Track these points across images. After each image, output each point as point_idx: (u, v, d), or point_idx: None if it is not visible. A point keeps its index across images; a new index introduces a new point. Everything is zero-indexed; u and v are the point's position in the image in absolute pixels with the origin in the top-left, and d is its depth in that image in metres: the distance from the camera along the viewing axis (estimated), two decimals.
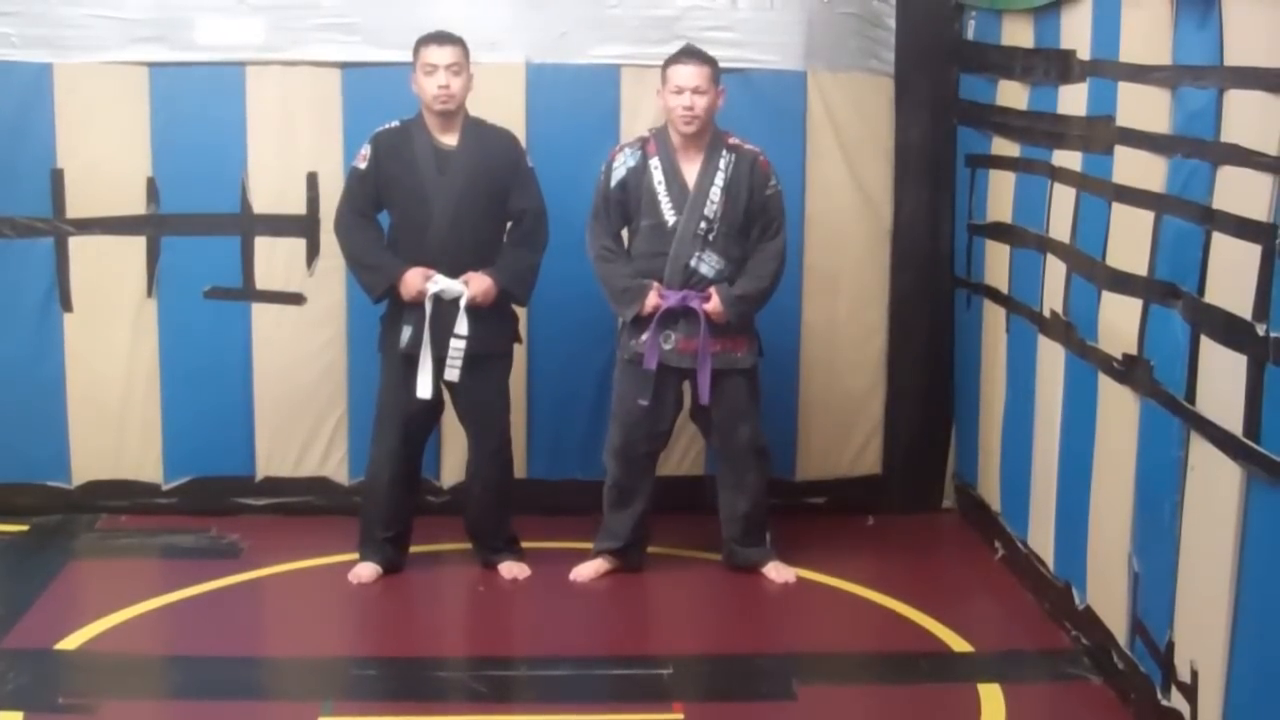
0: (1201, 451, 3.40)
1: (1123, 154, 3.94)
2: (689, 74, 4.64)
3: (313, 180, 5.30)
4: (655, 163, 4.72)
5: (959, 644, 4.37)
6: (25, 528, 5.27)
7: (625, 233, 4.85)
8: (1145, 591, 3.77)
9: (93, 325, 5.34)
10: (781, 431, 5.36)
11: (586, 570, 4.87)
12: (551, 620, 4.59)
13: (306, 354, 5.39)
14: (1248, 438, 3.15)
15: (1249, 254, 3.14)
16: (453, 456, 5.36)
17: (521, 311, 4.97)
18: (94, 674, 4.14)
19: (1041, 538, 4.62)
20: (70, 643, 4.28)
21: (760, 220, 4.75)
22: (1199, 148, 3.44)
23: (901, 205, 5.51)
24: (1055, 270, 4.45)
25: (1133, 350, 3.81)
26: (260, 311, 5.38)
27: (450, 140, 4.72)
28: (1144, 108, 3.77)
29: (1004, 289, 4.98)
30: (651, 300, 4.66)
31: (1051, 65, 4.50)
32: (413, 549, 4.94)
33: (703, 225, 4.69)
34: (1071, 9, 4.34)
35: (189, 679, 4.15)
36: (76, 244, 5.30)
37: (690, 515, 5.12)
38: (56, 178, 5.26)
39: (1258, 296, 3.11)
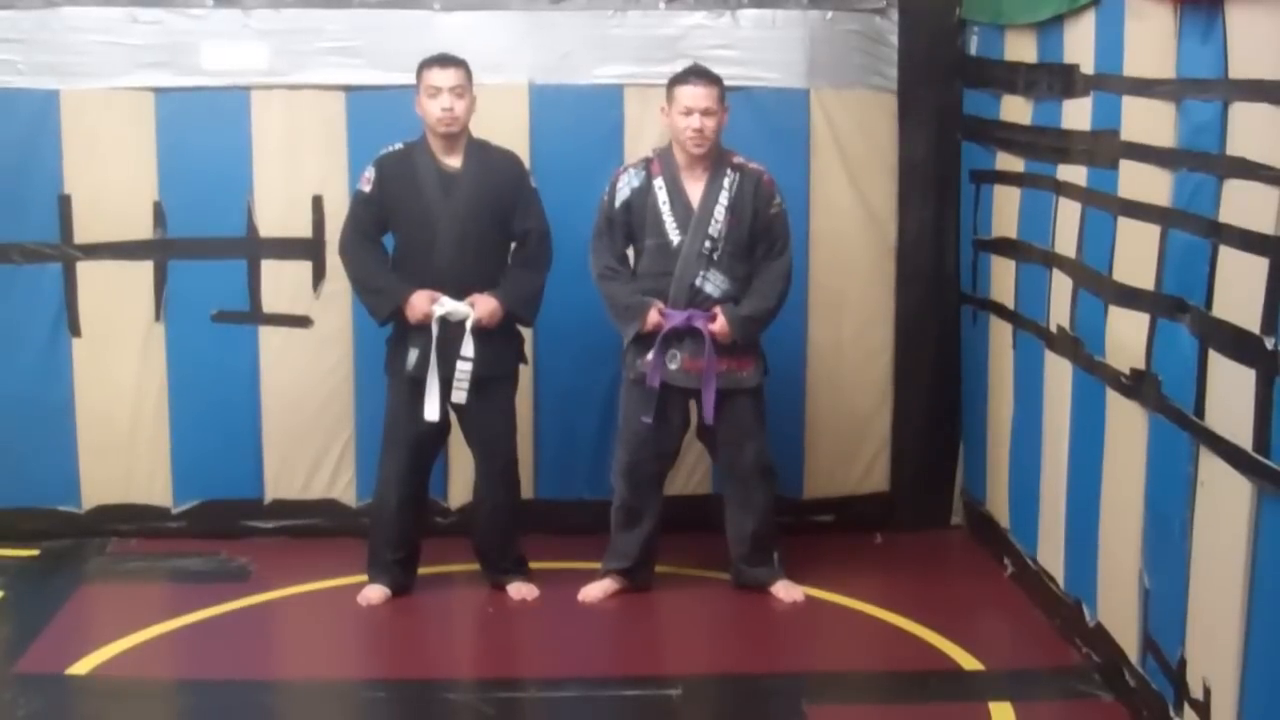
0: (1211, 466, 3.39)
1: (1128, 168, 3.93)
2: (699, 95, 4.64)
3: (318, 203, 5.32)
4: (659, 182, 4.72)
5: (969, 662, 4.35)
6: (36, 553, 5.27)
7: (631, 253, 4.85)
8: (1156, 608, 3.75)
9: (101, 350, 5.35)
10: (788, 450, 5.35)
11: (595, 590, 4.87)
12: (560, 641, 4.59)
13: (314, 376, 5.40)
14: (1257, 452, 3.14)
15: (1256, 267, 3.14)
16: (460, 477, 5.35)
17: (527, 332, 4.97)
18: (105, 699, 4.14)
19: (1051, 554, 4.61)
20: (81, 667, 4.28)
21: (765, 239, 4.75)
22: (1205, 161, 3.43)
23: (906, 222, 5.51)
24: (1061, 285, 4.44)
25: (1141, 365, 3.80)
26: (267, 335, 5.39)
27: (454, 162, 4.73)
28: (1149, 121, 3.77)
29: (1010, 305, 4.98)
30: (652, 318, 4.65)
31: (1055, 80, 4.50)
32: (421, 570, 4.93)
33: (707, 244, 4.69)
34: (1074, 23, 4.34)
35: (200, 703, 4.15)
36: (84, 269, 5.31)
37: (698, 534, 5.10)
38: (64, 203, 5.28)
39: (1266, 310, 3.10)
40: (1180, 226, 3.57)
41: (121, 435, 5.39)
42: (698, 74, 4.70)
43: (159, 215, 5.31)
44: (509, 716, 4.07)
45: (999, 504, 5.19)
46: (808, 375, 5.49)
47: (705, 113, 4.63)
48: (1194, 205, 3.49)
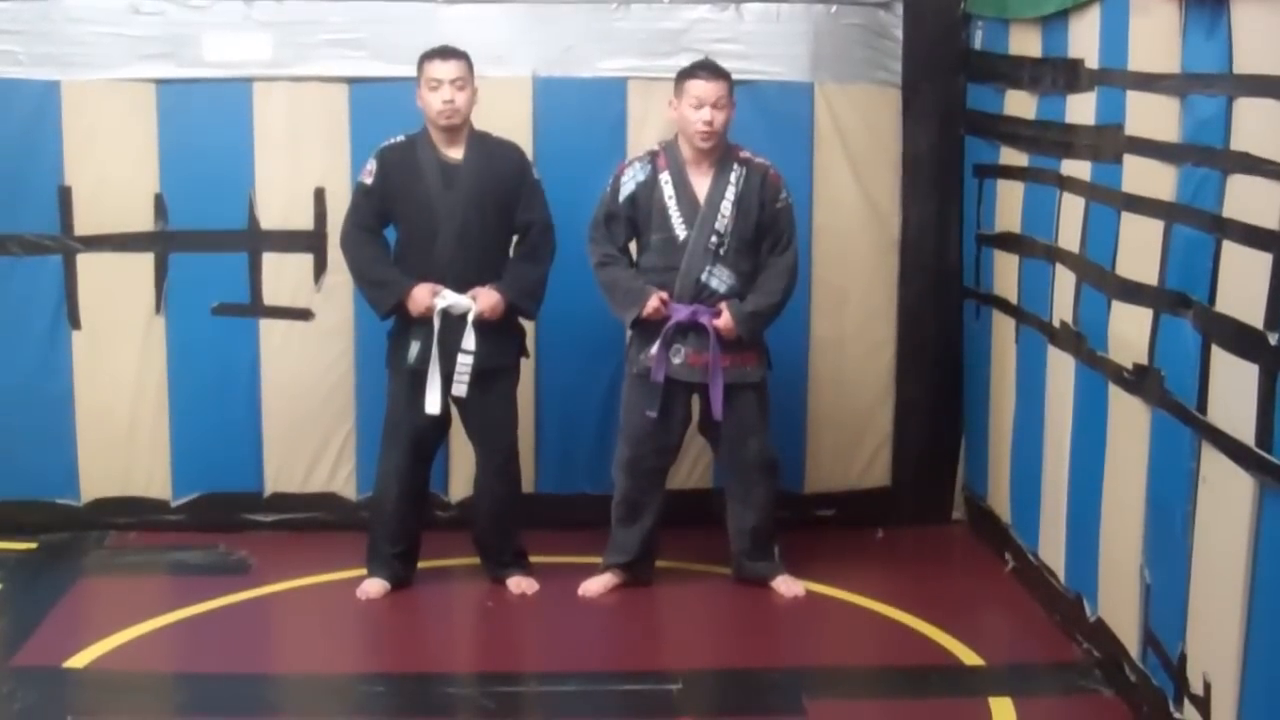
0: (1213, 462, 3.38)
1: (1132, 163, 3.92)
2: (710, 88, 4.62)
3: (320, 195, 5.31)
4: (665, 177, 4.71)
5: (970, 657, 4.34)
6: (34, 545, 5.26)
7: (634, 247, 4.83)
8: (1157, 603, 3.75)
9: (101, 342, 5.34)
10: (790, 444, 5.34)
11: (595, 585, 4.86)
12: (560, 635, 4.58)
13: (314, 370, 5.39)
14: (1260, 448, 3.13)
15: (1260, 262, 3.13)
16: (461, 471, 5.34)
17: (529, 325, 4.96)
18: (103, 692, 4.13)
19: (1052, 549, 4.60)
20: (79, 660, 4.27)
21: (771, 234, 4.73)
22: (1209, 156, 3.42)
23: (910, 216, 5.50)
24: (1065, 280, 4.43)
25: (1143, 360, 3.79)
26: (268, 327, 5.38)
27: (456, 154, 4.72)
28: (1153, 116, 3.76)
29: (1013, 299, 4.97)
30: (653, 303, 4.63)
31: (1059, 74, 4.49)
32: (421, 564, 4.92)
33: (714, 240, 4.67)
34: (1079, 17, 4.33)
35: (198, 697, 4.14)
36: (85, 261, 5.31)
37: (699, 529, 5.09)
38: (64, 195, 5.27)
39: (1269, 305, 3.09)
40: (1184, 221, 3.56)
41: (121, 428, 5.38)
42: (708, 68, 4.69)
43: (160, 207, 5.30)
44: (509, 711, 4.06)
45: (1000, 499, 5.18)
46: (810, 369, 5.48)
47: (715, 106, 4.62)
48: (1198, 200, 3.48)
